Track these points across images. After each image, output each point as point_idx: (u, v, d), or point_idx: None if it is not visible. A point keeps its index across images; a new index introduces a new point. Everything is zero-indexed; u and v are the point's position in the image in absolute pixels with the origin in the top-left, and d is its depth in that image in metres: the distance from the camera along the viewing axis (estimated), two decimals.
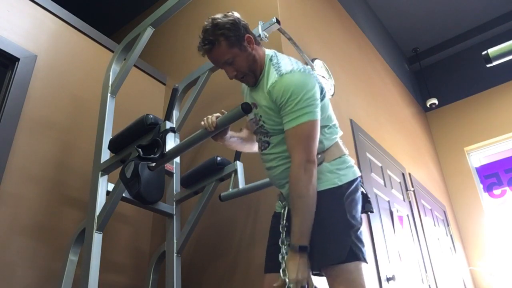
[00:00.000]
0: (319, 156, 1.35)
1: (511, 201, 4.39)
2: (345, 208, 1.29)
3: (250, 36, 1.43)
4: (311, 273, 1.25)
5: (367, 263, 1.29)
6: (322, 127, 1.39)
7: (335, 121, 1.48)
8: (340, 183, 1.33)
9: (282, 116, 1.34)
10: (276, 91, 1.33)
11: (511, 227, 4.24)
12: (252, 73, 1.43)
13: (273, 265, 1.35)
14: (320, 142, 1.37)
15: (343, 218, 1.28)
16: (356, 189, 1.36)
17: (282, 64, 1.40)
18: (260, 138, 1.49)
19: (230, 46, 1.39)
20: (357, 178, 1.38)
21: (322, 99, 1.40)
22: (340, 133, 1.48)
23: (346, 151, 1.44)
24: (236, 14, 1.50)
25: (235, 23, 1.43)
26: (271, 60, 1.44)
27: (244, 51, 1.40)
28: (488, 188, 4.57)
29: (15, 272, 1.86)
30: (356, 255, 1.24)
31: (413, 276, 2.88)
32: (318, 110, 1.34)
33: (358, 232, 1.29)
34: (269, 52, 1.49)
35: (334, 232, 1.27)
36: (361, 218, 1.35)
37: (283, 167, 1.40)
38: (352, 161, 1.42)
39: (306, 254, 1.23)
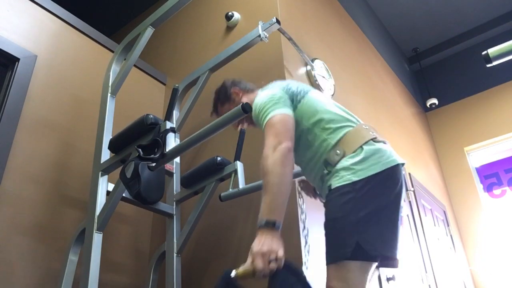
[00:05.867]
0: (338, 151, 1.33)
1: (511, 201, 4.40)
2: (357, 203, 1.24)
3: (236, 89, 1.74)
4: (282, 250, 1.14)
5: (374, 261, 1.24)
6: (316, 122, 1.41)
7: (339, 112, 1.46)
8: (355, 179, 1.27)
9: (258, 119, 1.44)
10: (254, 102, 1.49)
11: (511, 227, 4.24)
12: (248, 117, 1.58)
13: None
14: (324, 140, 1.37)
15: (351, 215, 1.23)
16: (380, 181, 1.28)
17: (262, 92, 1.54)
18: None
19: (223, 104, 1.75)
20: (384, 171, 1.29)
21: (300, 96, 1.48)
22: (353, 124, 1.42)
23: (371, 135, 1.37)
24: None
25: (223, 85, 1.79)
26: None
27: (233, 102, 1.71)
28: (488, 188, 4.57)
29: (15, 272, 1.86)
30: (363, 254, 1.20)
31: (413, 276, 2.88)
32: (283, 105, 1.41)
33: (374, 227, 1.23)
34: (260, 89, 1.64)
35: (337, 231, 1.25)
36: (391, 210, 1.28)
37: (316, 167, 1.40)
38: (381, 150, 1.33)
39: (276, 231, 1.16)
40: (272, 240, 1.13)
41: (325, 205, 1.35)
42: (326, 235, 1.30)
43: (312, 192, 1.75)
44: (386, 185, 1.30)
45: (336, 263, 1.23)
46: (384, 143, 1.40)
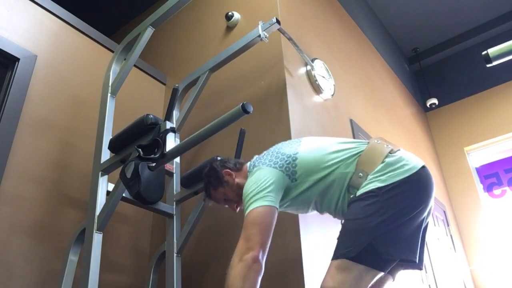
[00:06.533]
0: (360, 174, 1.33)
1: (511, 201, 4.39)
2: (380, 207, 1.25)
3: (227, 169, 1.60)
4: None
5: (379, 270, 1.23)
6: (325, 169, 1.38)
7: (341, 147, 1.44)
8: (380, 185, 1.28)
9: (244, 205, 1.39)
10: (244, 187, 1.44)
11: (511, 227, 4.24)
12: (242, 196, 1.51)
13: None
14: (343, 174, 1.36)
15: (371, 218, 1.24)
16: (406, 187, 1.29)
17: (251, 174, 1.48)
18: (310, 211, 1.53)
19: (216, 188, 1.61)
20: (409, 177, 1.30)
21: (293, 162, 1.42)
22: (362, 145, 1.43)
23: (388, 148, 1.38)
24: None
25: (212, 168, 1.62)
26: (250, 172, 1.51)
27: (227, 185, 1.58)
28: (488, 188, 4.57)
29: (15, 272, 1.86)
30: (369, 259, 1.20)
31: (413, 276, 2.88)
32: (266, 194, 1.35)
33: (393, 231, 1.24)
34: (248, 163, 1.58)
35: (352, 230, 1.26)
36: (411, 218, 1.28)
37: (345, 200, 1.38)
38: (402, 158, 1.35)
39: None
40: None
41: (347, 208, 1.35)
42: (340, 233, 1.31)
43: None
44: (412, 191, 1.30)
45: (338, 260, 1.22)
46: (399, 150, 1.41)
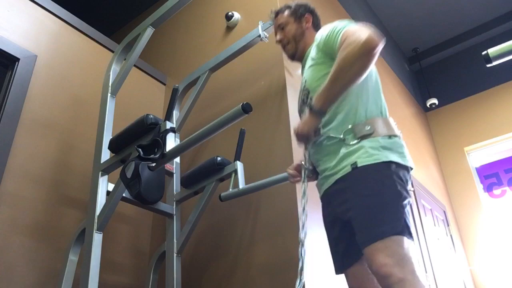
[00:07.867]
0: (368, 127, 1.28)
1: (511, 201, 4.40)
2: (395, 179, 1.21)
3: (310, 17, 1.68)
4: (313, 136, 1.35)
5: (413, 241, 1.21)
6: (369, 85, 1.38)
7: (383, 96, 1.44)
8: (392, 159, 1.24)
9: (333, 37, 1.37)
10: (323, 31, 1.45)
11: (511, 227, 4.24)
12: (295, 42, 1.62)
13: (342, 260, 1.36)
14: (363, 107, 1.34)
15: (395, 189, 1.20)
16: (406, 174, 1.26)
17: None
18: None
19: (289, 15, 1.67)
20: (408, 167, 1.28)
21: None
22: (387, 114, 1.41)
23: (400, 133, 1.36)
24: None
25: (303, 3, 1.72)
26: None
27: (297, 23, 1.65)
28: (488, 188, 4.57)
29: (15, 272, 1.86)
30: (408, 230, 1.17)
31: None
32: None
33: (407, 209, 1.22)
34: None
35: (388, 203, 1.19)
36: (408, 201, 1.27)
37: (337, 130, 1.34)
38: (403, 148, 1.32)
39: (320, 119, 1.32)
40: (313, 126, 1.33)
41: (353, 183, 1.26)
42: (364, 212, 1.21)
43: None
44: (407, 181, 1.28)
45: (386, 239, 1.14)
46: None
